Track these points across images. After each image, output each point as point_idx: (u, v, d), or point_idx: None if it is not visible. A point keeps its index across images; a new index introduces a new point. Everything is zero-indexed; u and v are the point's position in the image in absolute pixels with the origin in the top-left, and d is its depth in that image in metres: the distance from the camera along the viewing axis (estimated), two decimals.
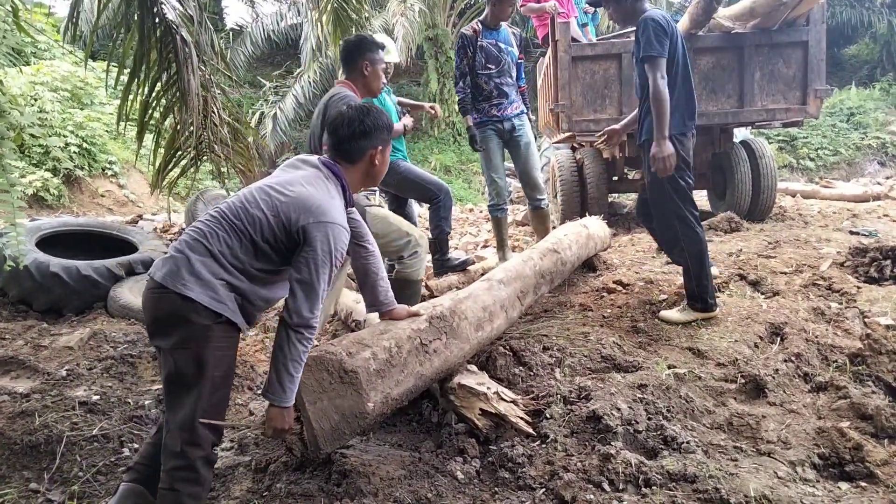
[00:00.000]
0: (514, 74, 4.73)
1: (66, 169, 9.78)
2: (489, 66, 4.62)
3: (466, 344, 2.56)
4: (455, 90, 4.88)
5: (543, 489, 2.06)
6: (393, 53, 4.41)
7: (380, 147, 2.19)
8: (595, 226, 4.68)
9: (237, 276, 1.95)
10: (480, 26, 4.65)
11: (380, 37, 4.28)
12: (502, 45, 4.66)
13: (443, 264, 4.56)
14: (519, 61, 4.80)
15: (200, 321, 1.85)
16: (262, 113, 16.14)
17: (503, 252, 5.04)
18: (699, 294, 3.37)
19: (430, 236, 4.31)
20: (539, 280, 3.44)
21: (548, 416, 2.43)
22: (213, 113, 4.36)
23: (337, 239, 1.95)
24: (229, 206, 2.01)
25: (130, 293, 4.12)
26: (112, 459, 2.37)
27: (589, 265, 4.57)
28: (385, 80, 3.80)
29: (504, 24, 4.75)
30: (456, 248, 6.37)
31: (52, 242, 4.60)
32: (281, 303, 2.07)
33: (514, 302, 3.08)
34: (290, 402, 1.90)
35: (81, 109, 10.78)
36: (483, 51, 4.60)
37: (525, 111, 4.86)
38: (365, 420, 2.08)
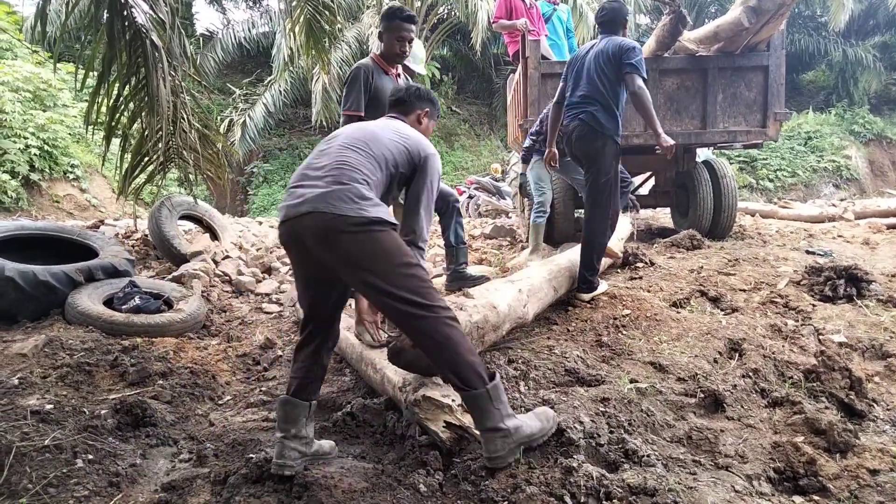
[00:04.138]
0: None
1: (26, 171, 9.51)
2: None
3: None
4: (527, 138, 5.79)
5: (506, 502, 2.07)
6: (420, 65, 4.46)
7: (427, 110, 2.79)
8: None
9: None
10: None
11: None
12: None
13: (458, 276, 4.15)
14: None
15: None
16: (232, 120, 15.98)
17: (536, 255, 5.49)
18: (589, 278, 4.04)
19: (445, 245, 4.20)
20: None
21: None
22: (183, 119, 4.31)
23: (438, 165, 2.54)
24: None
25: (89, 299, 4.01)
26: (64, 471, 2.30)
27: None
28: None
29: None
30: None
31: (7, 246, 4.46)
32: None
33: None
34: None
35: (44, 111, 10.51)
36: None
37: None
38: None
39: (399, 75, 3.70)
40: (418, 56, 4.41)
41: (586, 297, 4.05)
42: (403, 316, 2.19)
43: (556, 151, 4.66)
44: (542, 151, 5.35)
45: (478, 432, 2.34)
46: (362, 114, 3.47)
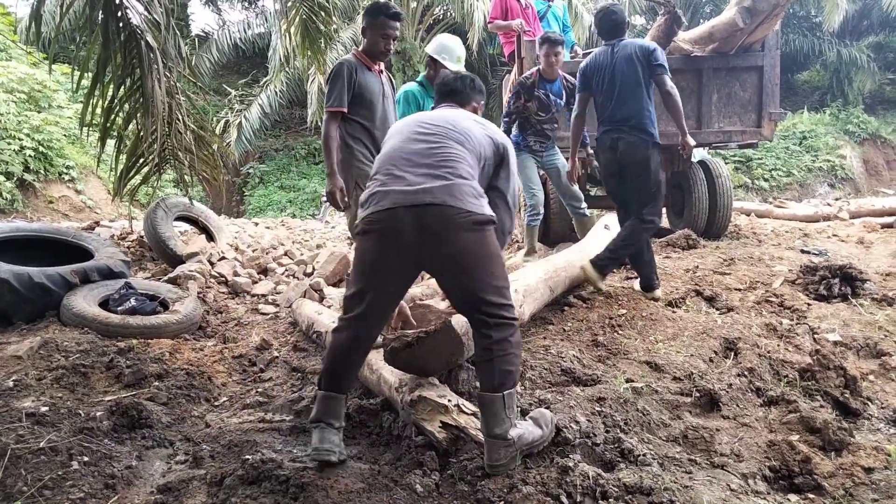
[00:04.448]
0: (558, 120, 5.32)
1: (20, 173, 9.48)
2: (539, 113, 5.19)
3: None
4: (501, 120, 5.50)
5: (502, 502, 2.07)
6: (458, 64, 4.47)
7: (481, 103, 2.77)
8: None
9: None
10: (538, 77, 5.14)
11: (449, 40, 4.44)
12: (552, 97, 5.16)
13: None
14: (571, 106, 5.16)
15: None
16: (227, 121, 15.94)
17: (531, 258, 5.45)
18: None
19: None
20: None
21: None
22: (178, 120, 4.31)
23: None
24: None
25: (85, 301, 4.00)
26: (59, 473, 2.29)
27: None
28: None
29: (560, 74, 5.18)
30: None
31: (2, 248, 4.44)
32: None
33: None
34: None
35: (38, 112, 10.48)
36: (537, 101, 5.16)
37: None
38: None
39: (382, 72, 3.60)
40: (454, 52, 4.36)
41: (592, 272, 4.08)
42: (480, 316, 2.24)
43: (579, 165, 4.77)
44: (529, 149, 5.35)
45: (475, 433, 2.34)
46: (345, 110, 3.38)
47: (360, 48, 3.57)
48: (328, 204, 13.26)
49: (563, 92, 5.19)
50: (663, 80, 3.99)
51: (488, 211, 2.28)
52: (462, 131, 2.42)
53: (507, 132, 5.30)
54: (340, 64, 3.43)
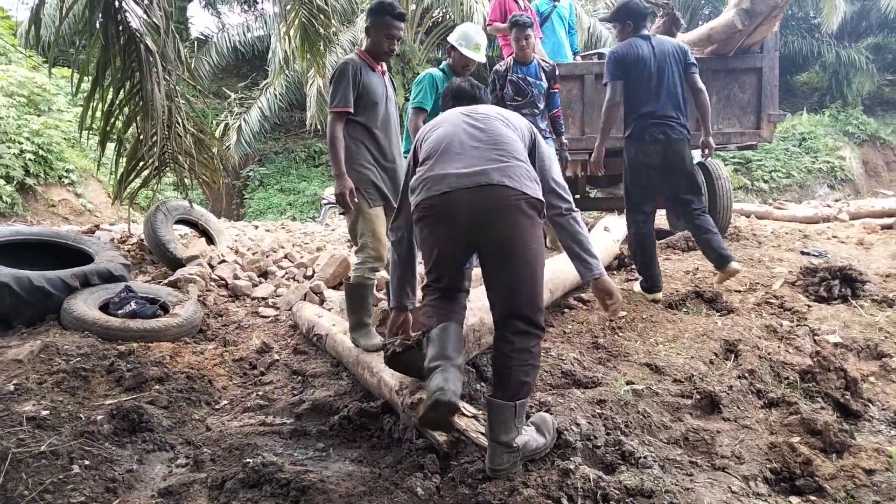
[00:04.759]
0: (541, 104, 5.03)
1: (21, 176, 9.49)
2: (516, 97, 4.96)
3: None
4: None
5: None
6: (479, 54, 4.46)
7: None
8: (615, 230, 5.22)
9: None
10: (512, 62, 4.99)
11: (469, 28, 4.42)
12: (530, 79, 4.97)
13: None
14: (553, 91, 5.06)
15: None
16: (227, 124, 15.96)
17: None
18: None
19: None
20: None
21: None
22: (178, 123, 4.31)
23: None
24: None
25: (85, 305, 4.00)
26: (60, 477, 2.29)
27: None
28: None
29: (536, 58, 5.04)
30: None
31: (3, 252, 4.44)
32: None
33: None
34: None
35: (38, 116, 10.48)
36: (511, 84, 4.96)
37: (549, 136, 5.12)
38: None
39: (385, 73, 3.53)
40: (472, 39, 4.34)
41: (736, 265, 4.06)
42: (510, 320, 2.24)
43: (579, 167, 4.79)
44: None
45: (476, 436, 2.34)
46: (351, 110, 3.29)
47: (363, 47, 3.49)
48: (328, 206, 13.22)
49: (542, 74, 5.01)
50: (697, 79, 4.18)
51: (541, 195, 2.28)
52: (503, 117, 2.46)
53: None
54: (345, 63, 3.35)
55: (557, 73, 5.11)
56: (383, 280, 4.06)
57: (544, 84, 4.99)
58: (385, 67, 3.54)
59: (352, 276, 3.41)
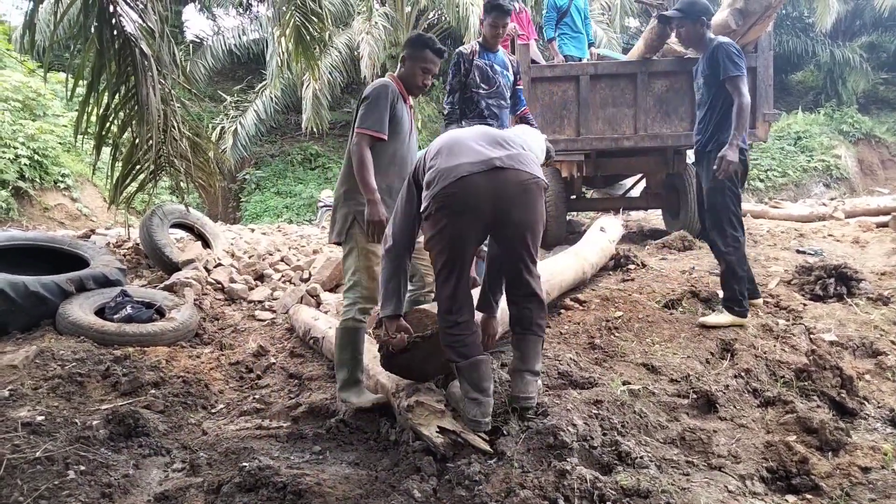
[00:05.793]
0: (507, 98, 4.75)
1: (15, 181, 9.47)
2: (482, 84, 4.65)
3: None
4: (444, 103, 4.93)
5: None
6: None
7: None
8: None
9: None
10: (478, 46, 4.69)
11: None
12: (497, 68, 4.68)
13: None
14: (518, 87, 4.82)
15: None
16: (223, 127, 15.95)
17: None
18: (735, 296, 3.69)
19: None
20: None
21: (505, 433, 2.45)
22: (173, 127, 4.30)
23: None
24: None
25: (80, 309, 3.99)
26: (56, 483, 2.28)
27: None
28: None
29: (502, 49, 4.78)
30: None
31: None
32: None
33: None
34: None
35: (33, 121, 10.47)
36: (478, 70, 4.64)
37: None
38: None
39: (412, 107, 3.31)
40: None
41: (717, 320, 3.73)
42: (521, 265, 2.54)
43: (574, 168, 4.77)
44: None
45: (472, 438, 2.35)
46: (385, 137, 3.03)
47: (397, 74, 3.27)
48: (324, 209, 13.15)
49: (510, 67, 4.76)
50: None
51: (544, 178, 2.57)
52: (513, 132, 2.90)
53: (451, 114, 4.75)
54: (384, 85, 3.10)
55: (548, 74, 5.03)
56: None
57: (511, 77, 4.76)
58: (412, 101, 3.35)
59: (340, 320, 3.10)
